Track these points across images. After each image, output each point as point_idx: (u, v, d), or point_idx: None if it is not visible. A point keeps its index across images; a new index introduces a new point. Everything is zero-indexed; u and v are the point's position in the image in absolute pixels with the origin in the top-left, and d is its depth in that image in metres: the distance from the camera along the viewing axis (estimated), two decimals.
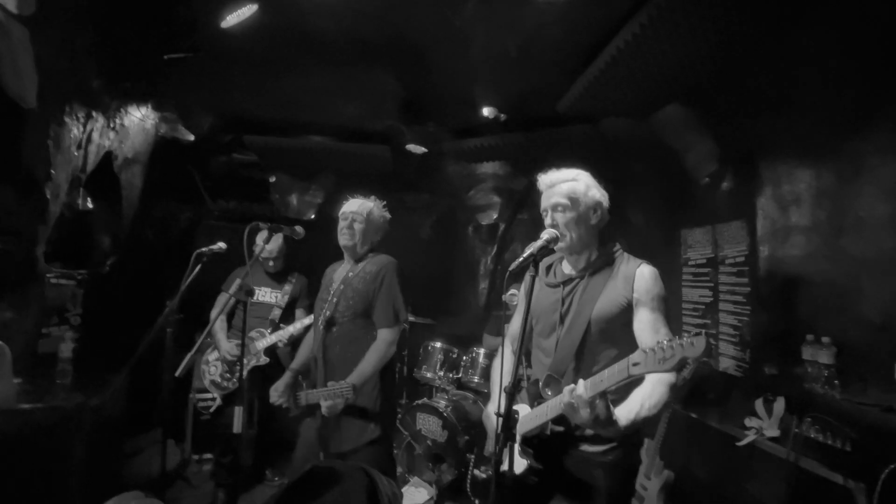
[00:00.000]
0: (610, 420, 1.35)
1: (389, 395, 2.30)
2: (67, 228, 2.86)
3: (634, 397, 1.44)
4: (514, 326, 1.93)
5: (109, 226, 3.42)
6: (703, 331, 1.20)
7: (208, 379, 3.17)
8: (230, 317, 3.28)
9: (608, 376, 1.31)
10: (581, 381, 1.36)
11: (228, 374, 3.13)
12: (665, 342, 1.21)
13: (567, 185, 1.62)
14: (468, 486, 3.09)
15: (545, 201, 1.65)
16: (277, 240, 3.24)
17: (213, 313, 3.21)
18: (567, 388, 1.37)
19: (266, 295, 3.29)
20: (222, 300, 3.18)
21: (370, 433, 2.12)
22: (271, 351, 3.16)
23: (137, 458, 3.22)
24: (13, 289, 2.50)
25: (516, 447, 1.51)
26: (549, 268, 1.77)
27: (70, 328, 2.91)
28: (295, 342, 3.00)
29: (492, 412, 1.69)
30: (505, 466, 1.29)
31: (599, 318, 1.54)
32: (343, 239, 2.31)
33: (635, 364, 1.26)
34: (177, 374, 2.59)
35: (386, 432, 2.24)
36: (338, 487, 1.20)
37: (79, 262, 3.08)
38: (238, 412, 1.88)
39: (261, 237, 2.92)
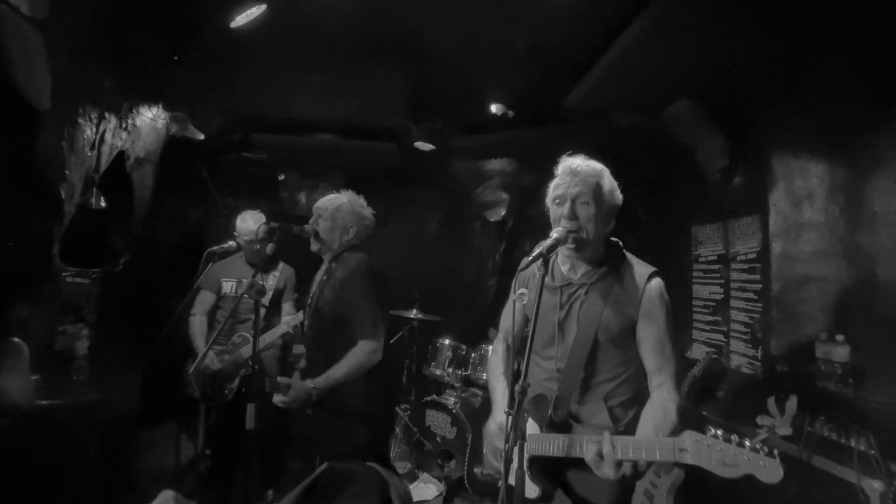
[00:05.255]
0: (637, 475, 1.25)
1: (380, 398, 2.20)
2: (82, 227, 2.90)
3: (646, 426, 1.36)
4: (507, 323, 1.79)
5: (122, 225, 3.46)
6: (777, 456, 1.02)
7: (197, 392, 2.70)
8: (211, 317, 2.89)
9: (647, 449, 1.20)
10: (608, 438, 1.23)
11: (213, 390, 2.67)
12: (725, 444, 1.05)
13: (593, 178, 1.47)
14: (466, 481, 3.12)
15: (564, 188, 1.47)
16: (259, 222, 2.78)
17: (195, 317, 2.84)
18: (601, 442, 1.25)
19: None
20: (206, 299, 2.85)
21: (357, 438, 2.06)
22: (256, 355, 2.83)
23: (151, 453, 3.27)
24: (30, 287, 2.54)
25: (525, 468, 1.48)
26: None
27: (85, 325, 2.96)
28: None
29: (494, 428, 1.57)
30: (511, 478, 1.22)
31: (606, 330, 1.47)
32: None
33: (682, 450, 1.13)
34: (190, 371, 2.65)
35: (375, 437, 2.16)
36: (352, 488, 1.21)
37: (93, 261, 3.12)
38: (251, 409, 1.90)
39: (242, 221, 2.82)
